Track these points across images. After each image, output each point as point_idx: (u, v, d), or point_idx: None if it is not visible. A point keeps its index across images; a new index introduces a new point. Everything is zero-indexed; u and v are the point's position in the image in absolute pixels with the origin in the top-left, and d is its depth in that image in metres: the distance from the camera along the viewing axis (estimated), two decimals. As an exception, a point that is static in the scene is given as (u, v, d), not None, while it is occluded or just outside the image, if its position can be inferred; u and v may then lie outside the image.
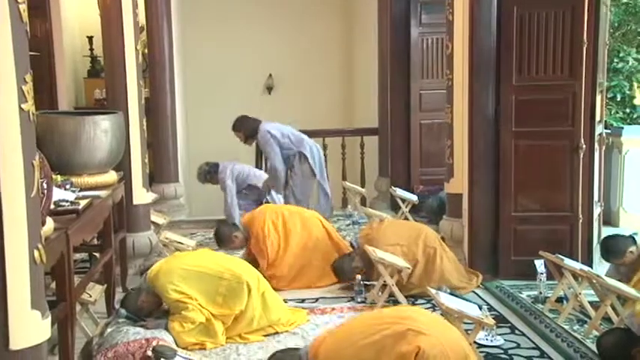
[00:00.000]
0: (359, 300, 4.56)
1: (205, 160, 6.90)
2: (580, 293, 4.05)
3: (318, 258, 5.05)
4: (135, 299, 3.97)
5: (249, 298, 3.92)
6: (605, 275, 4.15)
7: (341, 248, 5.21)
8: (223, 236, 5.16)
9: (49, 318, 2.35)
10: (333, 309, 4.39)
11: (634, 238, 4.26)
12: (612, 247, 4.23)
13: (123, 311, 3.94)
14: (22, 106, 2.19)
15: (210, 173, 6.65)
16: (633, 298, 3.65)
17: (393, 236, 4.79)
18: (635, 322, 3.30)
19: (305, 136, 6.44)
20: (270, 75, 9.66)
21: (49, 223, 2.86)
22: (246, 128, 6.37)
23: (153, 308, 3.98)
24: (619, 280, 3.95)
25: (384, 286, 4.42)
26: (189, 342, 3.77)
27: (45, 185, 2.82)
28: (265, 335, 3.97)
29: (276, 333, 4.00)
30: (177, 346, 3.69)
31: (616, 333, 3.49)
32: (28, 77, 2.24)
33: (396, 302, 4.39)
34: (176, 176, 7.27)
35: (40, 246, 2.29)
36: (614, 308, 3.83)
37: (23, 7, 2.19)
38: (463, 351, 2.71)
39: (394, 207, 7.11)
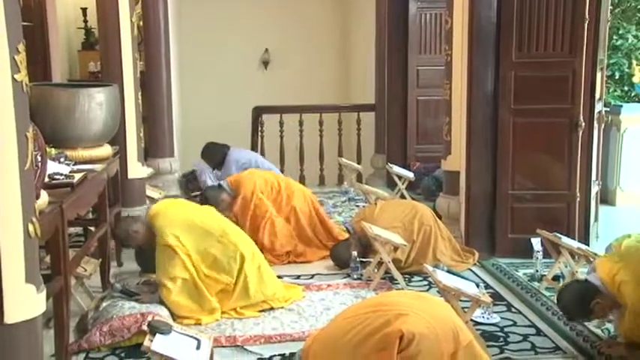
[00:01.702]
0: (355, 277, 4.54)
1: (201, 137, 6.83)
2: (577, 271, 4.05)
3: (304, 231, 5.09)
4: (127, 226, 3.98)
5: (240, 269, 3.91)
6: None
7: (326, 225, 5.24)
8: (210, 198, 5.12)
9: (44, 292, 2.33)
10: (329, 285, 4.38)
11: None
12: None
13: (118, 286, 3.93)
14: (15, 76, 2.14)
15: (190, 182, 6.54)
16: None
17: (388, 218, 4.77)
18: (595, 277, 3.27)
19: (272, 165, 6.44)
20: (267, 49, 9.57)
21: (44, 197, 2.82)
22: (212, 158, 6.32)
23: (140, 242, 4.00)
24: None
25: (380, 263, 4.41)
26: (183, 306, 3.75)
27: (39, 158, 2.78)
28: (261, 311, 3.96)
29: (272, 309, 3.99)
30: (174, 317, 3.69)
31: (573, 286, 3.43)
32: (21, 47, 2.19)
33: (392, 279, 4.39)
34: (171, 151, 7.22)
35: (34, 219, 2.26)
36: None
37: (15, -25, 2.13)
38: (453, 325, 2.64)
39: (390, 184, 7.10)
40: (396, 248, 4.45)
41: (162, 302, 3.77)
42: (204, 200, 5.24)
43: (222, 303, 3.90)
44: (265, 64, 9.66)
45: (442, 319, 2.66)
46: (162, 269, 3.80)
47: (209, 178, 6.41)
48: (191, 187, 6.54)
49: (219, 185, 5.36)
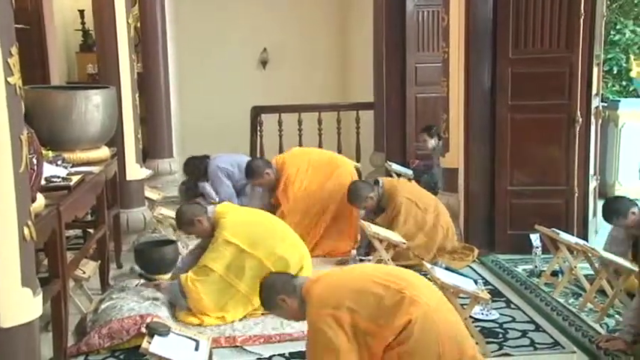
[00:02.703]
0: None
1: (200, 137, 6.84)
2: (575, 267, 4.05)
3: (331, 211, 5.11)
4: (194, 212, 4.03)
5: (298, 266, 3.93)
6: (605, 246, 4.15)
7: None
8: (256, 169, 5.13)
9: (41, 295, 2.33)
10: (329, 284, 4.38)
11: (635, 202, 4.23)
12: (616, 208, 4.14)
13: (137, 268, 4.06)
14: (9, 79, 2.14)
15: (189, 190, 6.52)
16: (628, 271, 3.65)
17: (415, 192, 4.92)
18: None
19: None
20: (265, 49, 9.56)
21: (40, 200, 2.83)
22: (194, 171, 6.29)
23: (197, 231, 4.07)
24: (620, 252, 3.94)
25: (379, 261, 4.41)
26: (198, 298, 3.79)
27: (35, 161, 2.78)
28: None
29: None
30: (176, 315, 3.75)
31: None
32: (14, 50, 2.18)
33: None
34: (170, 152, 7.22)
35: (29, 222, 2.26)
36: (609, 282, 3.83)
37: (7, -22, 2.13)
38: (459, 333, 2.69)
39: (390, 182, 7.09)
40: (394, 246, 4.45)
41: (181, 289, 3.84)
42: (248, 166, 5.26)
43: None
44: (264, 63, 9.65)
45: (450, 323, 2.69)
46: (208, 254, 3.89)
47: (208, 186, 6.36)
48: (191, 194, 6.52)
49: (268, 161, 5.34)
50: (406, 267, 4.44)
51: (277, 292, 2.88)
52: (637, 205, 4.15)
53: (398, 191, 4.86)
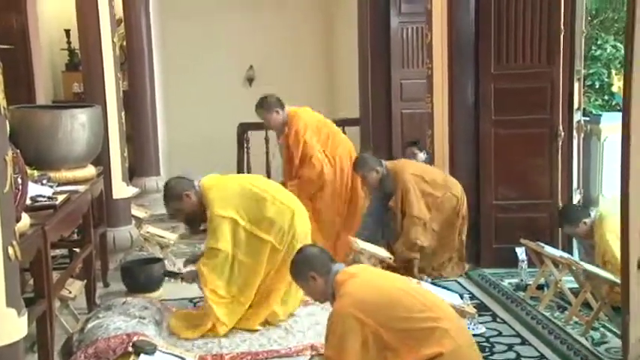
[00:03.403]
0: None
1: (188, 154, 6.85)
2: (560, 280, 4.09)
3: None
4: (182, 187, 4.05)
5: (289, 230, 3.96)
6: (580, 256, 4.23)
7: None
8: (269, 103, 5.16)
9: (26, 316, 2.32)
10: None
11: (589, 211, 4.37)
12: (568, 215, 4.37)
13: (166, 266, 4.41)
14: (-7, 100, 2.15)
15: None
16: (611, 283, 3.68)
17: (418, 167, 4.94)
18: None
19: None
20: (251, 66, 9.61)
21: (25, 219, 2.82)
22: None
23: (186, 207, 4.06)
24: (590, 262, 4.02)
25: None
26: (210, 279, 3.87)
27: (20, 181, 2.78)
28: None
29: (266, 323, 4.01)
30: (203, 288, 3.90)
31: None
32: (-2, 71, 2.19)
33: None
34: (157, 169, 7.23)
35: (14, 242, 2.26)
36: (594, 295, 3.86)
37: (-11, 0, 2.15)
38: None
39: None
40: (381, 261, 4.46)
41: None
42: (261, 101, 5.26)
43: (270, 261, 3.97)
44: (250, 80, 9.69)
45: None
46: (210, 237, 3.94)
47: None
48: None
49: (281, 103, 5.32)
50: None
51: (311, 268, 2.90)
52: (590, 214, 4.23)
53: (402, 169, 4.85)
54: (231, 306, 3.93)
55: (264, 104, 5.18)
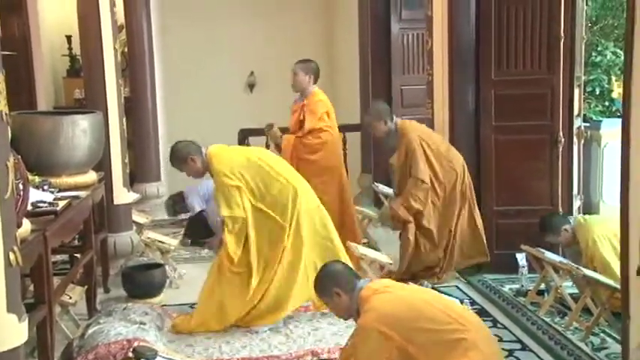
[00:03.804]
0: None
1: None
2: (560, 286, 4.09)
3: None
4: (189, 151, 4.09)
5: (293, 208, 3.97)
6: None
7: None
8: (307, 62, 5.21)
9: (26, 321, 2.32)
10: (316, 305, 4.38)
11: (569, 219, 4.42)
12: (549, 224, 4.38)
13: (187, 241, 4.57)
14: (-5, 106, 2.16)
15: (177, 204, 6.57)
16: (611, 288, 3.68)
17: (425, 133, 4.80)
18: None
19: None
20: (252, 72, 9.62)
21: (26, 225, 2.83)
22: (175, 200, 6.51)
23: (191, 171, 4.13)
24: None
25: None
26: (235, 252, 3.92)
27: (21, 187, 2.79)
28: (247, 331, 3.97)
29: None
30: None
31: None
32: (0, 77, 2.20)
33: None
34: (158, 175, 7.24)
35: (15, 248, 2.26)
36: (594, 300, 3.86)
37: (-7, 7, 2.16)
38: None
39: (377, 203, 7.12)
40: (382, 267, 4.47)
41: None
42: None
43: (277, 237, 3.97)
44: (251, 86, 9.71)
45: None
46: (223, 206, 3.95)
47: (197, 202, 6.42)
48: (178, 208, 6.56)
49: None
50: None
51: (335, 284, 2.89)
52: (570, 222, 4.25)
53: (410, 129, 4.75)
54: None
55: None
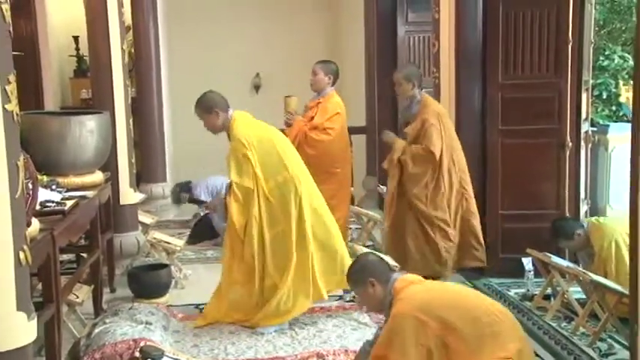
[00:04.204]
0: (348, 299, 4.55)
1: (194, 161, 6.88)
2: (567, 290, 4.08)
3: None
4: (215, 103, 4.09)
5: (295, 199, 3.97)
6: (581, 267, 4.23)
7: None
8: (328, 63, 5.29)
9: (35, 319, 2.33)
10: (322, 308, 4.38)
11: (581, 222, 4.42)
12: (562, 229, 4.36)
13: (185, 195, 4.44)
14: (6, 106, 2.16)
15: (183, 192, 6.60)
16: (619, 293, 3.67)
17: (443, 113, 4.66)
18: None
19: None
20: (258, 74, 9.64)
21: (35, 224, 2.84)
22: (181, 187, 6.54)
23: (211, 123, 4.13)
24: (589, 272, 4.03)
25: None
26: (236, 214, 3.89)
27: (30, 186, 2.80)
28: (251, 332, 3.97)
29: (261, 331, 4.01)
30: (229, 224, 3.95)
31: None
32: (12, 77, 2.21)
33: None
34: (164, 176, 7.25)
35: (25, 247, 2.27)
36: (601, 305, 3.85)
37: (6, 7, 2.17)
38: None
39: (382, 205, 7.12)
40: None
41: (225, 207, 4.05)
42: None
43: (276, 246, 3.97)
44: (257, 88, 9.72)
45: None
46: (233, 172, 3.95)
47: (203, 194, 6.45)
48: (183, 197, 6.59)
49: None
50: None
51: (371, 274, 2.87)
52: (582, 225, 4.24)
53: (432, 103, 4.67)
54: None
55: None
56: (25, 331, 2.24)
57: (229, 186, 4.07)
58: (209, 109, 4.09)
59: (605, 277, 3.94)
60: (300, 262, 3.99)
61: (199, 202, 6.48)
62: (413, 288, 2.76)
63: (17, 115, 2.26)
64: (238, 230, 3.97)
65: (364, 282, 2.87)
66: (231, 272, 4.05)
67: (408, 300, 2.69)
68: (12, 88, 2.21)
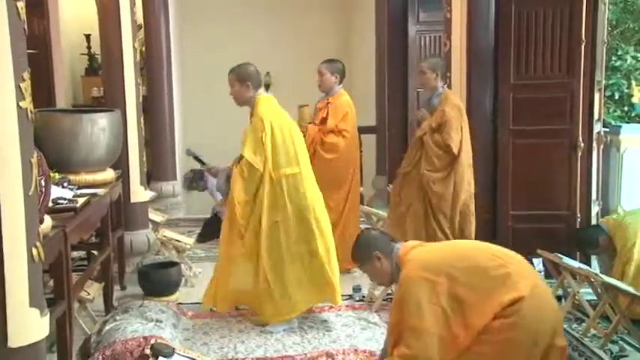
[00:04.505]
0: (357, 298, 4.55)
1: (203, 159, 6.86)
2: (578, 292, 4.06)
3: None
4: (249, 77, 4.07)
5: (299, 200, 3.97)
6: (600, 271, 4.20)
7: None
8: (333, 62, 5.26)
9: (48, 316, 2.35)
10: (331, 307, 4.38)
11: (601, 227, 4.40)
12: (586, 239, 4.39)
13: (191, 150, 4.36)
14: (20, 103, 2.18)
15: (195, 179, 6.62)
16: (631, 295, 3.65)
17: (463, 108, 4.60)
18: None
19: None
20: (268, 73, 9.63)
21: (47, 221, 2.85)
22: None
23: (236, 94, 4.12)
24: (607, 273, 4.02)
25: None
26: (239, 189, 3.88)
27: (43, 183, 2.82)
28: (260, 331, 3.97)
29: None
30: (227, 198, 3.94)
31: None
32: (26, 75, 2.23)
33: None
34: (174, 174, 7.27)
35: (38, 244, 2.29)
36: (612, 307, 3.83)
37: (21, 5, 2.19)
38: (556, 321, 2.68)
39: (392, 205, 7.11)
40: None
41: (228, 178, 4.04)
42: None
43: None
44: (267, 86, 9.70)
45: (550, 305, 2.68)
46: (247, 147, 3.92)
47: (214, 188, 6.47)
48: (194, 185, 6.60)
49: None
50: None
51: (375, 248, 2.89)
52: (603, 229, 4.23)
53: (455, 99, 4.62)
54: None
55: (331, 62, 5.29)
56: (38, 327, 2.26)
57: (239, 158, 4.02)
58: (243, 79, 4.09)
59: (622, 277, 3.91)
60: (293, 261, 3.98)
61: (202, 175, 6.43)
62: (415, 251, 2.80)
63: (31, 112, 2.27)
64: (237, 206, 3.91)
65: (370, 257, 2.90)
66: (230, 245, 4.02)
67: (412, 263, 2.72)
68: (26, 86, 2.22)
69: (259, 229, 3.94)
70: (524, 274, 2.64)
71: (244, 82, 4.08)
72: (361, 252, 2.97)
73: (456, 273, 2.62)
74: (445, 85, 4.70)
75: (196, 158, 4.31)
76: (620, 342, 3.73)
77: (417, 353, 2.55)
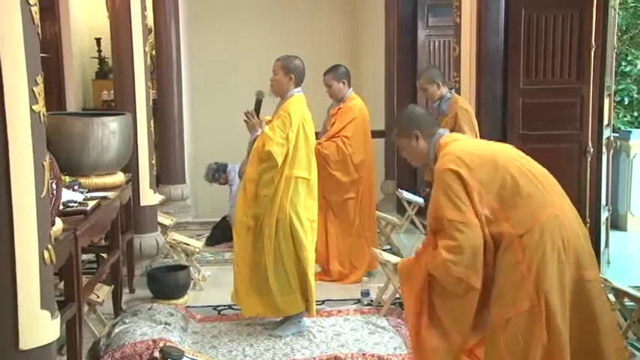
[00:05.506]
0: (365, 302, 4.56)
1: (213, 161, 6.89)
2: (587, 297, 4.03)
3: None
4: (291, 66, 4.17)
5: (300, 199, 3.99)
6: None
7: None
8: (336, 70, 5.27)
9: (58, 318, 2.36)
10: (340, 311, 4.39)
11: None
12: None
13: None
14: (33, 107, 2.20)
15: (218, 172, 6.63)
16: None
17: (472, 112, 4.63)
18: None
19: None
20: (277, 77, 9.66)
21: (58, 224, 2.87)
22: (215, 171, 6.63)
23: (274, 81, 4.22)
24: None
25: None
26: (274, 149, 3.90)
27: (54, 186, 2.84)
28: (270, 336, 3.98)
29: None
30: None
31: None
32: (39, 79, 2.25)
33: (402, 304, 4.38)
34: (183, 178, 7.29)
35: (49, 246, 2.30)
36: (622, 313, 3.81)
37: (35, 10, 2.20)
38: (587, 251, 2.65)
39: (400, 209, 7.11)
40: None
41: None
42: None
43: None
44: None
45: (577, 234, 2.66)
46: (276, 134, 3.95)
47: (237, 179, 6.48)
48: (217, 177, 6.62)
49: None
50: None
51: (417, 126, 2.82)
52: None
53: (464, 103, 4.70)
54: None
55: (332, 71, 5.28)
56: (48, 329, 2.27)
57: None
58: (288, 70, 4.13)
59: None
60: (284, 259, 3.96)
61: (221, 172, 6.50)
62: (455, 144, 2.73)
63: (44, 115, 2.29)
64: (248, 185, 3.96)
65: (409, 134, 2.82)
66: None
67: (448, 155, 2.66)
68: (39, 90, 2.24)
69: (263, 225, 3.95)
70: (555, 199, 2.64)
71: (288, 73, 4.13)
72: (402, 124, 2.90)
73: (488, 179, 2.58)
74: (452, 91, 4.70)
75: (258, 102, 4.33)
76: (630, 347, 3.70)
77: (462, 244, 2.52)
